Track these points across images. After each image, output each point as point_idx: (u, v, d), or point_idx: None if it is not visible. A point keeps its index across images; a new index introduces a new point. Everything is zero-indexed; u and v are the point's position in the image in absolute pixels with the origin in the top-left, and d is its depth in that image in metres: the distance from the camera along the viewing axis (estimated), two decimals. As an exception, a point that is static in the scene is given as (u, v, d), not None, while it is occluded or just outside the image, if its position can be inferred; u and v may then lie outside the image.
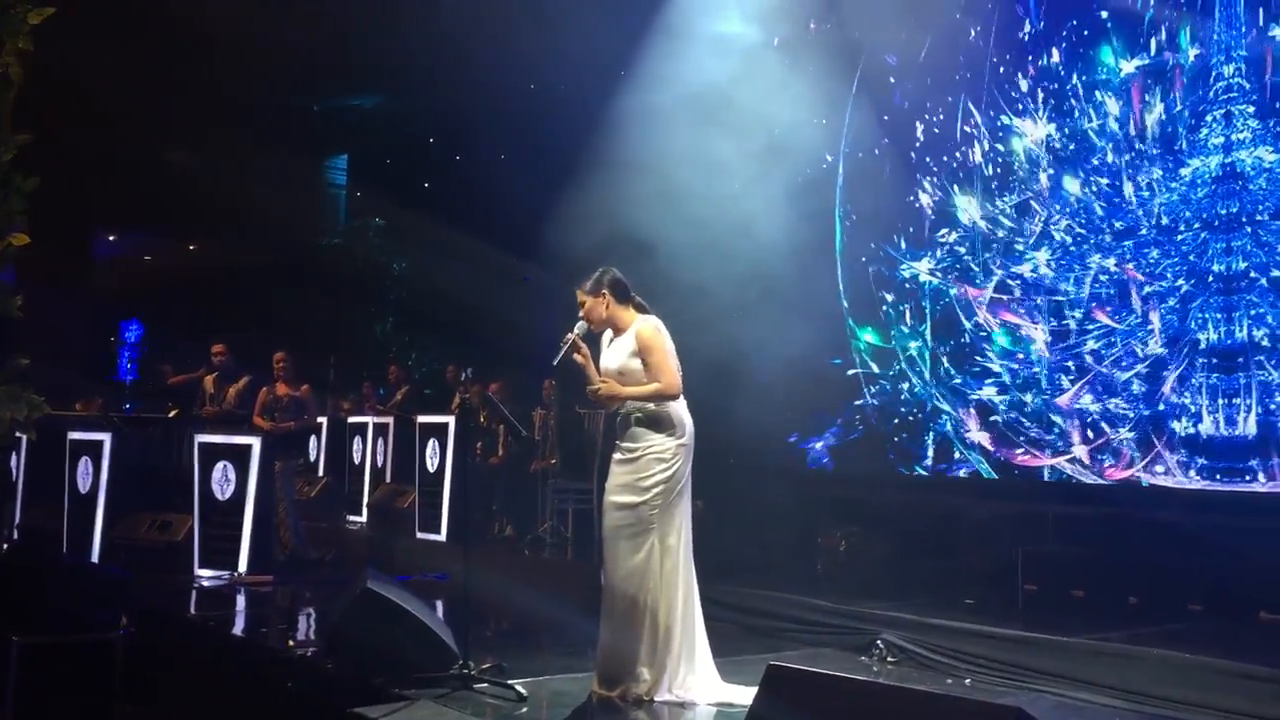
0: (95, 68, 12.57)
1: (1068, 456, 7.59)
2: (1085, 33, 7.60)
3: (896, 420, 8.71)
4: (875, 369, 8.89)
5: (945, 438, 8.36)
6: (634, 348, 5.04)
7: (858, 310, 9.02)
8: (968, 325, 8.24)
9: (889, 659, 5.98)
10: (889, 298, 8.80)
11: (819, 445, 9.20)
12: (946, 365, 8.37)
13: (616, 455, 5.09)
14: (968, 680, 5.56)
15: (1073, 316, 7.63)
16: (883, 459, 8.75)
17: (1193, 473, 6.94)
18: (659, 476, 4.93)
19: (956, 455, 8.27)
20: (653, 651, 4.92)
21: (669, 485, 4.94)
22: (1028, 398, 7.84)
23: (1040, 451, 7.76)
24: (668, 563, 4.96)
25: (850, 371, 9.04)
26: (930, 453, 8.46)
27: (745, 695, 4.91)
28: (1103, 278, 7.50)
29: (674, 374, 5.02)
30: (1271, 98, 6.69)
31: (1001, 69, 8.05)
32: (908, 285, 8.68)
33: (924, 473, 8.46)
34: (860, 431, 8.98)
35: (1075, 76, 7.67)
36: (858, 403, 8.97)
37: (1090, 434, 7.50)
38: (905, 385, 8.65)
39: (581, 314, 5.14)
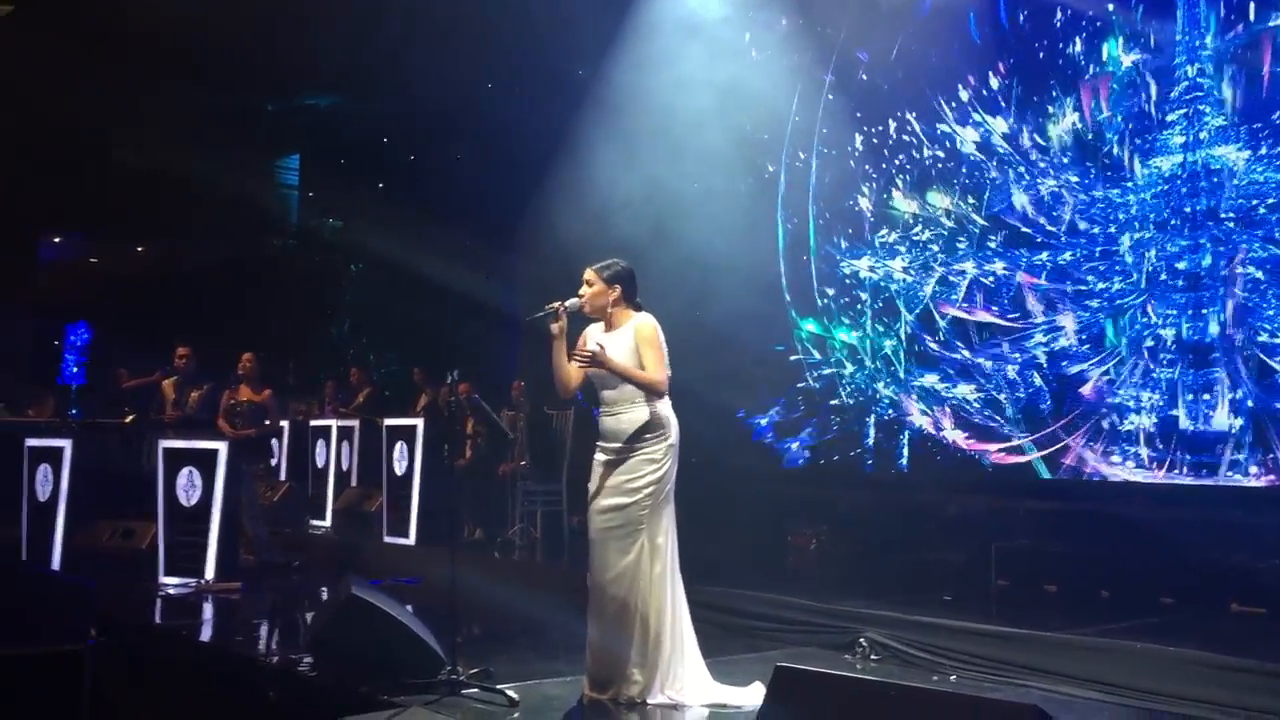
0: (42, 68, 12.35)
1: (1015, 444, 7.75)
2: (1034, 41, 7.73)
3: (836, 402, 9.02)
4: (817, 356, 9.20)
5: (886, 421, 8.64)
6: (633, 344, 4.96)
7: (800, 303, 9.33)
8: (909, 317, 8.49)
9: (872, 657, 5.99)
10: (830, 292, 9.12)
11: (763, 422, 9.43)
12: (888, 355, 8.64)
13: (601, 456, 5.02)
14: (953, 677, 5.59)
15: (1020, 309, 7.79)
16: (822, 437, 9.07)
17: (1160, 465, 7.04)
18: (650, 477, 4.88)
19: (897, 438, 8.55)
20: (644, 653, 4.87)
21: (659, 486, 4.90)
22: (970, 389, 8.05)
23: (988, 440, 7.94)
24: (657, 564, 4.91)
25: (793, 358, 9.31)
26: (872, 434, 8.75)
27: (738, 696, 4.92)
28: (1056, 272, 7.62)
29: (666, 374, 4.98)
30: (1234, 97, 6.81)
31: (940, 79, 8.26)
32: (848, 281, 8.99)
33: (868, 455, 8.75)
34: (801, 410, 9.25)
35: (1023, 82, 7.81)
36: (800, 385, 9.26)
37: (1043, 424, 7.63)
38: (847, 371, 8.97)
39: (582, 294, 5.06)
